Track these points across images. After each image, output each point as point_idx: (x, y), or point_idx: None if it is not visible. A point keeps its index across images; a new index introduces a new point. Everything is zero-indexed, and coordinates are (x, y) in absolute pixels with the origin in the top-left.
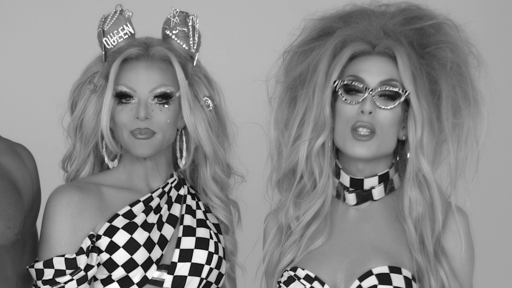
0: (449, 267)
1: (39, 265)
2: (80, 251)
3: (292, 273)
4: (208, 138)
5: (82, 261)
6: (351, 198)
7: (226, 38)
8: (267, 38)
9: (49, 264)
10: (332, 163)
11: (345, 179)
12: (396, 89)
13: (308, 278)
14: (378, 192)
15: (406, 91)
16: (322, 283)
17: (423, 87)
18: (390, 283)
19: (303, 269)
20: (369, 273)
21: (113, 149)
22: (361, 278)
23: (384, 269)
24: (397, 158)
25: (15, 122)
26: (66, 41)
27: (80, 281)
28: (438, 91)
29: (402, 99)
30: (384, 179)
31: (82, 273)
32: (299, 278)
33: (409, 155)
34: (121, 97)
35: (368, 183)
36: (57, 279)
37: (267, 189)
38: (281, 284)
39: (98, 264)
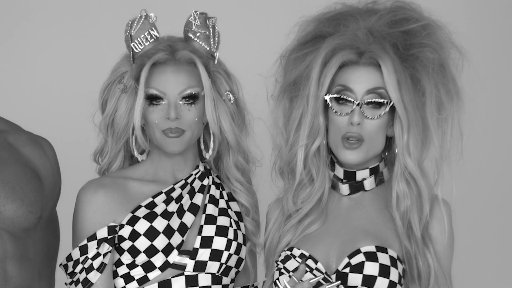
0: (434, 252)
1: (64, 261)
2: (92, 237)
3: (288, 253)
4: (232, 130)
5: (91, 247)
6: (344, 188)
7: (233, 36)
8: (269, 38)
9: (69, 258)
10: (327, 160)
11: (339, 172)
12: (381, 100)
13: (302, 257)
14: (369, 183)
15: (390, 101)
16: (316, 261)
17: (407, 91)
18: (376, 260)
19: (299, 249)
20: (357, 251)
21: (144, 146)
22: (350, 256)
23: (372, 248)
24: (386, 153)
25: (47, 117)
26: (95, 42)
27: (88, 270)
28: (422, 90)
29: (387, 108)
30: (374, 171)
31: (89, 262)
32: (294, 257)
33: (397, 153)
34: (152, 99)
35: (360, 175)
36: (75, 270)
37: (272, 175)
38: (279, 263)
39: (121, 252)
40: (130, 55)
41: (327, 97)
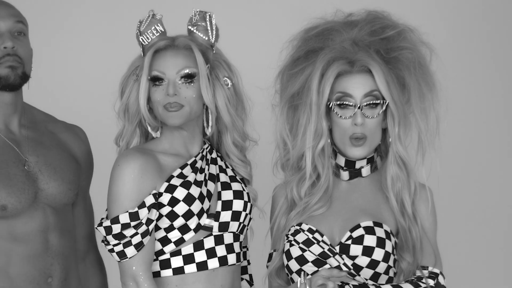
0: (421, 226)
1: (107, 223)
2: (142, 205)
3: (297, 227)
4: (227, 110)
5: (143, 214)
6: (345, 175)
7: (238, 36)
8: (270, 38)
9: (115, 220)
10: (332, 155)
11: (341, 160)
12: (378, 101)
13: (310, 231)
14: (366, 170)
15: (385, 101)
16: (322, 235)
17: (395, 89)
18: (374, 233)
19: (307, 224)
20: (357, 226)
21: (151, 122)
22: (352, 230)
23: (369, 223)
24: (379, 144)
25: (79, 107)
26: (117, 41)
27: (143, 234)
28: (407, 86)
29: (384, 107)
30: (370, 161)
31: (144, 227)
32: (303, 230)
33: (390, 143)
34: (155, 80)
35: (359, 164)
36: (124, 232)
37: (273, 170)
38: (289, 236)
39: (158, 218)
40: (140, 48)
41: (332, 104)
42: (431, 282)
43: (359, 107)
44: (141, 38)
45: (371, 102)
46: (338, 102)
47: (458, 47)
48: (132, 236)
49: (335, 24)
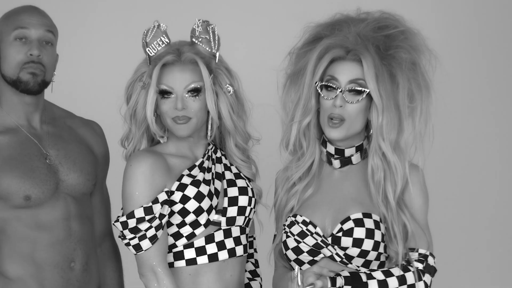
0: (410, 213)
1: (123, 218)
2: (155, 201)
3: (293, 219)
4: (229, 117)
5: (156, 209)
6: (336, 163)
7: (244, 40)
8: (274, 40)
9: (131, 215)
10: (317, 135)
11: (331, 149)
12: (360, 88)
13: (304, 223)
14: (355, 158)
15: (366, 90)
16: (315, 226)
17: (383, 83)
18: (363, 225)
19: (301, 216)
20: (347, 219)
21: (157, 132)
22: (342, 222)
23: (359, 215)
24: (369, 133)
25: (91, 107)
26: (124, 47)
27: (157, 228)
28: (397, 83)
29: (364, 95)
30: (359, 148)
31: (157, 221)
32: (298, 223)
33: (371, 134)
34: (163, 93)
35: (348, 152)
36: (139, 226)
37: (280, 150)
38: (285, 227)
39: (170, 215)
40: (146, 58)
41: (318, 84)
42: (420, 266)
43: (341, 91)
44: (148, 50)
45: (353, 88)
46: (324, 83)
47: (451, 46)
48: (146, 230)
49: (347, 18)
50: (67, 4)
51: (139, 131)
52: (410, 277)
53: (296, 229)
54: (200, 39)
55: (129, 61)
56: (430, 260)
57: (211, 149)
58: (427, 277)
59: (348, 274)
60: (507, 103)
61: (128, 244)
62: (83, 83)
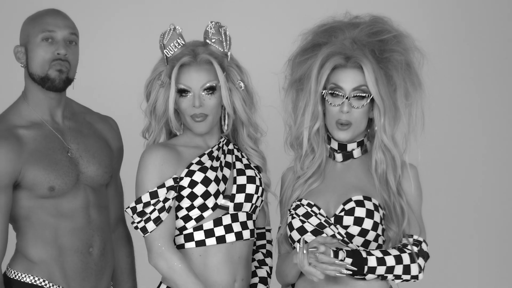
0: (406, 200)
1: (132, 204)
2: (161, 186)
3: (298, 202)
4: (243, 109)
5: (162, 193)
6: (339, 156)
7: (250, 40)
8: (277, 41)
9: (139, 201)
10: (325, 137)
11: (335, 144)
12: (364, 94)
13: (309, 205)
14: (357, 152)
15: (370, 95)
16: (319, 208)
17: (383, 85)
18: (363, 206)
19: (306, 200)
20: (349, 200)
21: (176, 127)
22: (344, 203)
23: (360, 197)
24: (368, 130)
25: (112, 103)
26: (139, 48)
27: (160, 210)
28: (394, 83)
29: (368, 100)
30: (360, 144)
31: (161, 204)
32: (303, 205)
33: (375, 131)
34: (181, 92)
35: (350, 147)
36: (145, 210)
37: (285, 148)
38: (291, 210)
39: (180, 199)
40: (164, 58)
41: (324, 92)
42: (415, 249)
43: (347, 98)
44: (165, 51)
45: (357, 94)
46: (330, 91)
47: (439, 45)
48: (151, 213)
49: (341, 24)
50: (89, 8)
51: (159, 125)
52: (406, 258)
53: (301, 211)
54: (213, 40)
55: (144, 62)
56: (424, 246)
57: (223, 141)
58: (421, 260)
59: (350, 249)
60: (492, 98)
61: (136, 228)
62: (100, 81)
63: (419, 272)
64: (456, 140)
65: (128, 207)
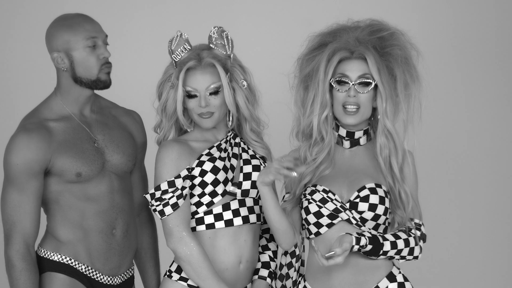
0: (407, 185)
1: (151, 190)
2: (178, 176)
3: (313, 188)
4: (246, 107)
5: (178, 182)
6: (346, 143)
7: (258, 42)
8: (283, 44)
9: (158, 188)
10: (333, 125)
11: (343, 132)
12: (368, 80)
13: (324, 191)
14: (363, 140)
15: (374, 81)
16: (334, 194)
17: (384, 75)
18: (376, 193)
19: (321, 186)
20: (363, 187)
21: (184, 123)
22: (359, 190)
23: (372, 185)
24: (372, 118)
25: (130, 102)
26: (154, 52)
27: (178, 197)
28: (394, 75)
29: (372, 85)
30: (366, 132)
31: (179, 191)
32: (318, 191)
33: (379, 118)
34: (189, 93)
35: (357, 134)
36: (163, 196)
37: (290, 139)
38: (307, 195)
39: (192, 187)
40: (173, 62)
41: (332, 80)
42: (418, 233)
43: (353, 84)
44: (173, 56)
45: (362, 81)
46: (337, 79)
47: (432, 43)
48: (169, 198)
49: (344, 26)
50: (104, 18)
51: (169, 123)
52: (411, 241)
53: (317, 196)
54: (216, 44)
55: (159, 63)
56: (423, 228)
57: (230, 135)
58: (421, 243)
59: (370, 235)
60: (481, 92)
61: (154, 210)
62: (123, 79)
63: (420, 253)
64: (448, 129)
65: (147, 193)
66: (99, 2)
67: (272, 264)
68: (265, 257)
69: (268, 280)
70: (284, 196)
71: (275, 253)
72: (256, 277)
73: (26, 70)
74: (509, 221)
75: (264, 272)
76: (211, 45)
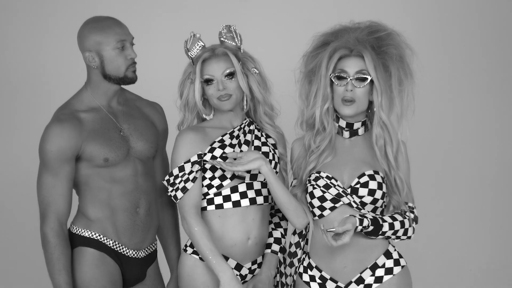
0: (402, 172)
1: (167, 177)
2: (187, 161)
3: (317, 175)
4: (259, 91)
5: (188, 167)
6: (346, 134)
7: (265, 45)
8: (290, 44)
9: (171, 174)
10: (334, 116)
11: (343, 123)
12: (365, 76)
13: (327, 177)
14: (361, 130)
15: (370, 76)
16: (336, 180)
17: (380, 72)
18: (375, 179)
19: (324, 172)
20: (363, 174)
21: (204, 112)
22: (359, 177)
23: (371, 172)
24: (369, 111)
25: (156, 91)
26: (173, 52)
27: (186, 181)
28: (390, 72)
29: (368, 81)
30: (364, 123)
31: (186, 176)
32: (322, 177)
33: (375, 110)
34: (207, 81)
35: (356, 126)
36: (175, 181)
37: (295, 128)
38: (311, 181)
39: (204, 171)
40: (190, 61)
41: (332, 75)
42: (412, 216)
43: (350, 79)
44: (189, 54)
45: (359, 76)
46: (336, 75)
47: (425, 43)
48: (179, 183)
49: (345, 27)
50: (131, 16)
51: (192, 115)
52: (406, 223)
53: (321, 182)
54: (225, 37)
55: (178, 60)
56: (415, 211)
57: (245, 122)
58: (414, 224)
59: (371, 217)
60: (470, 86)
61: (170, 196)
62: (147, 74)
63: (413, 233)
64: (438, 122)
65: (164, 179)
66: (127, 5)
67: (283, 240)
68: (277, 234)
69: (280, 254)
70: (292, 182)
71: (285, 230)
72: (268, 251)
73: (59, 66)
74: (489, 201)
75: (275, 247)
76: (221, 39)
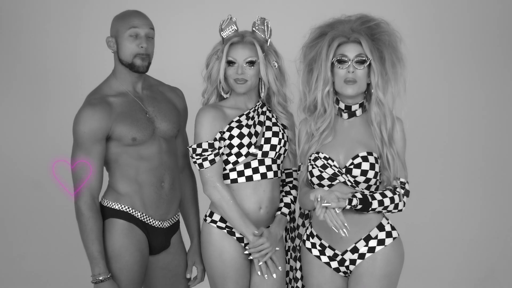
0: (395, 149)
1: (193, 145)
2: (215, 139)
3: (316, 155)
4: (274, 83)
5: (216, 144)
6: (345, 115)
7: (282, 28)
8: (291, 37)
9: (199, 145)
10: (334, 99)
11: (342, 105)
12: (363, 58)
13: (325, 158)
14: (359, 112)
15: (369, 59)
16: (333, 160)
17: (376, 56)
18: (367, 160)
19: (322, 153)
20: (357, 156)
21: (225, 87)
22: (353, 158)
23: (364, 154)
24: (366, 92)
25: (178, 77)
26: (201, 37)
27: (215, 154)
28: (383, 57)
29: (367, 63)
30: (361, 105)
31: (216, 151)
32: (320, 158)
33: (372, 91)
34: (230, 63)
35: (354, 107)
36: (203, 153)
37: (298, 112)
38: (311, 161)
39: (224, 146)
40: (221, 40)
41: (334, 60)
42: (402, 191)
43: (351, 61)
44: (222, 34)
45: (359, 59)
46: (338, 59)
47: (413, 32)
48: (208, 155)
49: (339, 20)
50: (157, 9)
51: (212, 87)
52: (396, 198)
53: (319, 162)
54: (257, 28)
55: (200, 50)
56: (407, 186)
57: (259, 104)
58: (405, 198)
59: (361, 196)
60: (457, 71)
61: (194, 162)
62: (169, 62)
63: (403, 207)
64: (431, 102)
65: (190, 146)
66: (153, 1)
67: (292, 206)
68: (287, 199)
69: (288, 217)
70: (300, 166)
71: (295, 198)
72: (278, 213)
73: (90, 56)
74: (481, 179)
75: (285, 210)
76: (253, 29)
